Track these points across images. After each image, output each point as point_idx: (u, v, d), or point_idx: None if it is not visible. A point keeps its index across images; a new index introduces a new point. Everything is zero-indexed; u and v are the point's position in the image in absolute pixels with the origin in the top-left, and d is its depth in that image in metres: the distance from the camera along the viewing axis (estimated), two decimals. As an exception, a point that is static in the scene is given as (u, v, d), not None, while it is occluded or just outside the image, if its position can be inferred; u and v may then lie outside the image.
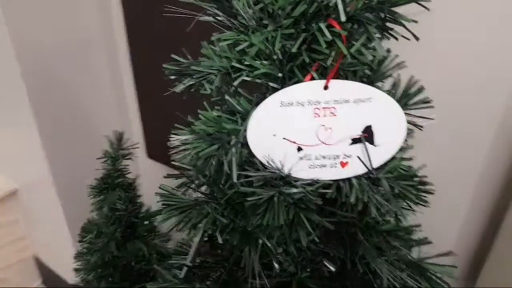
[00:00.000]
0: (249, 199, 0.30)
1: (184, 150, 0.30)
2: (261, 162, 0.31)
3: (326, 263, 0.32)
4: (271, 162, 0.30)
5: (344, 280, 0.33)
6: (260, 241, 0.33)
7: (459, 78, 0.45)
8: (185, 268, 0.41)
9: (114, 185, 0.70)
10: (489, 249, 0.51)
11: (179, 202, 0.34)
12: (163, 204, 0.35)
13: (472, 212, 0.52)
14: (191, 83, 0.34)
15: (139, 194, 0.75)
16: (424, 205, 0.28)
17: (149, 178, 0.93)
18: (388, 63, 0.31)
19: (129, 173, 0.72)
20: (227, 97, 0.30)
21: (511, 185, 0.49)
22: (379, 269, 0.29)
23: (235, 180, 0.30)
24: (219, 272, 0.40)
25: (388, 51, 0.30)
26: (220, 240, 0.34)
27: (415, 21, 0.25)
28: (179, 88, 0.34)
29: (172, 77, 0.34)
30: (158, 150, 0.92)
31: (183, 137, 0.30)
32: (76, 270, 0.75)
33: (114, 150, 0.69)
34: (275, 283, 0.34)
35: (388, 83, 0.31)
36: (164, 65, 0.35)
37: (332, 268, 0.32)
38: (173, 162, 0.33)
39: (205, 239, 0.39)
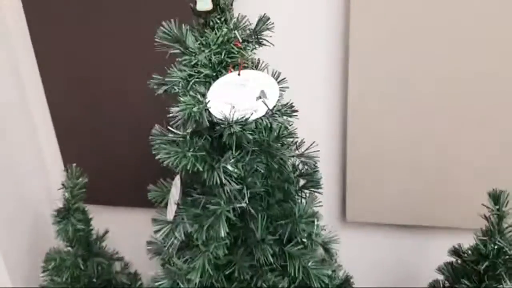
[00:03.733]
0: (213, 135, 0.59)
1: (178, 114, 0.58)
2: (215, 117, 0.61)
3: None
4: (222, 115, 0.60)
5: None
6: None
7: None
8: (175, 206, 0.66)
9: (74, 209, 0.88)
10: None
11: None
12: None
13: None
14: (166, 87, 0.62)
15: (91, 217, 0.94)
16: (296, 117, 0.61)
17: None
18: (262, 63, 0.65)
19: (85, 197, 0.90)
20: (195, 86, 0.60)
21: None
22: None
23: (207, 124, 0.59)
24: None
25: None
26: (200, 168, 0.61)
27: (271, 36, 0.60)
28: (160, 91, 0.62)
29: (155, 86, 0.62)
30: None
31: (177, 109, 0.58)
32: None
33: (70, 180, 0.88)
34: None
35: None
36: (149, 81, 0.63)
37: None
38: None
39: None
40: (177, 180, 0.70)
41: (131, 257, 1.04)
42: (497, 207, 0.69)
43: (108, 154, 1.05)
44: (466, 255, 0.75)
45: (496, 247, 0.70)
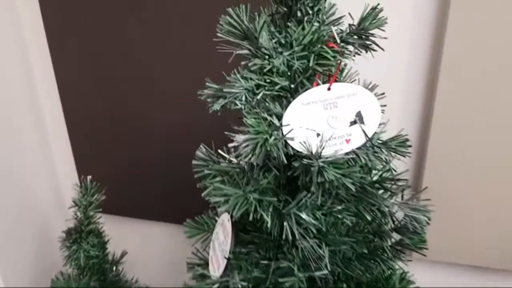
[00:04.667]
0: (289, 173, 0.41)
1: (246, 146, 0.40)
2: (292, 148, 0.42)
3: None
4: (304, 147, 0.42)
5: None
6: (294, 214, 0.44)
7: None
8: (225, 261, 0.49)
9: (86, 232, 0.72)
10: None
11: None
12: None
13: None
14: (224, 102, 0.44)
15: (107, 239, 0.77)
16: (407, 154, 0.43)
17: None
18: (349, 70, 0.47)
19: (100, 217, 0.74)
20: (267, 104, 0.42)
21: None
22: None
23: (284, 161, 0.41)
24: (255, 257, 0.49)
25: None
26: (267, 218, 0.44)
27: (386, 38, 0.41)
28: (216, 107, 0.44)
29: (208, 99, 0.44)
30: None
31: (244, 136, 0.40)
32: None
33: (84, 197, 0.71)
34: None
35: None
36: (199, 92, 0.45)
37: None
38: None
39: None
40: (225, 221, 0.52)
41: (149, 276, 0.89)
42: None
43: (130, 162, 0.87)
44: None
45: None
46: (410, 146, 0.44)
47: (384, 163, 0.44)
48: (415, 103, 0.71)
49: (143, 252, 0.99)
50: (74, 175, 0.92)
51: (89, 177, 0.72)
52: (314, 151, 0.42)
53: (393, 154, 0.43)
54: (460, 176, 0.71)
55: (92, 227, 0.72)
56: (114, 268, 0.79)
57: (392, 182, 0.46)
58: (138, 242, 0.99)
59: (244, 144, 0.40)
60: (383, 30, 0.42)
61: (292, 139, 0.41)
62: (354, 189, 0.40)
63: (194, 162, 0.52)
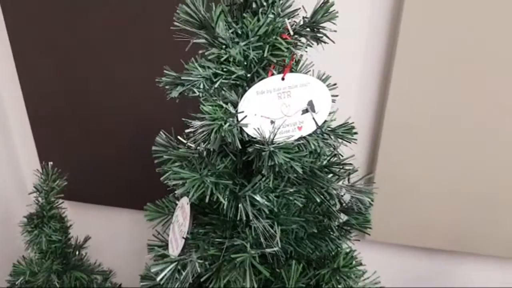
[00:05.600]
0: (244, 158, 0.44)
1: (201, 131, 0.42)
2: (247, 134, 0.45)
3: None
4: (258, 133, 0.44)
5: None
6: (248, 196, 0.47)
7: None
8: (183, 241, 0.51)
9: (48, 217, 0.72)
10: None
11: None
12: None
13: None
14: (182, 89, 0.46)
15: (70, 224, 0.77)
16: (354, 142, 0.46)
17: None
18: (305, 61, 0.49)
19: (62, 203, 0.74)
20: (223, 92, 0.44)
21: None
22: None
23: (239, 146, 0.43)
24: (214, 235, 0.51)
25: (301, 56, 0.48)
26: (223, 200, 0.46)
27: (335, 31, 0.44)
28: (174, 94, 0.45)
29: (167, 87, 0.46)
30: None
31: (200, 123, 0.42)
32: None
33: (45, 183, 0.71)
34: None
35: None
36: (157, 79, 0.46)
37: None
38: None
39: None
40: (185, 204, 0.54)
41: (113, 260, 0.90)
42: None
43: (95, 148, 0.88)
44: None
45: None
46: (356, 133, 0.47)
47: (332, 149, 0.47)
48: (370, 93, 0.75)
49: (106, 238, 1.00)
50: (36, 162, 0.91)
51: (50, 163, 0.72)
52: (267, 137, 0.44)
53: (340, 140, 0.46)
54: (411, 162, 0.76)
55: (54, 212, 0.72)
56: (77, 253, 0.80)
57: (340, 167, 0.49)
58: (101, 228, 1.00)
59: (200, 130, 0.42)
60: (334, 23, 0.45)
61: (246, 125, 0.44)
62: (301, 172, 0.43)
63: (153, 147, 0.53)
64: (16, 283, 0.74)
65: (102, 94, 0.81)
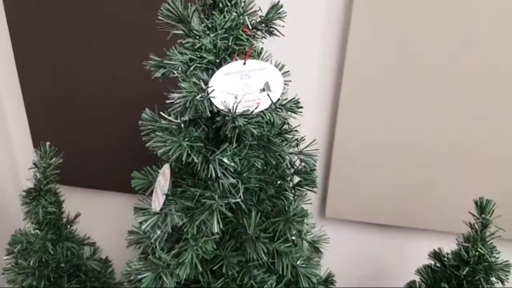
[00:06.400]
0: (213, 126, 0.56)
1: (179, 102, 0.54)
2: (216, 106, 0.57)
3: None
4: (224, 105, 0.57)
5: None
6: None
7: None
8: (164, 197, 0.63)
9: (45, 191, 0.82)
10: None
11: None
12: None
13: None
14: (164, 71, 0.58)
15: (63, 199, 0.88)
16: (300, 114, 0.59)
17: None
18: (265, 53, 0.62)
19: (59, 179, 0.84)
20: (197, 72, 0.56)
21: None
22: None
23: (208, 114, 0.55)
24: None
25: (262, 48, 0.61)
26: (196, 160, 0.58)
27: (283, 26, 0.57)
28: (158, 74, 0.57)
29: (152, 68, 0.58)
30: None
31: (178, 95, 0.54)
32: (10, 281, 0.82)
33: (43, 160, 0.81)
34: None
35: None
36: (144, 62, 0.58)
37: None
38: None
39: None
40: (166, 169, 0.66)
41: (102, 243, 0.99)
42: (483, 215, 0.70)
43: (83, 133, 0.98)
44: (446, 259, 0.77)
45: (477, 253, 0.71)
46: (301, 107, 0.60)
47: (283, 119, 0.60)
48: (328, 75, 0.88)
49: (94, 221, 1.10)
50: (30, 148, 1.01)
51: (48, 142, 0.82)
52: (231, 108, 0.56)
53: (289, 113, 0.59)
54: (367, 143, 0.89)
55: (50, 186, 0.83)
56: (69, 226, 0.90)
57: (291, 135, 0.62)
58: (90, 211, 1.10)
59: (178, 101, 0.54)
60: (283, 20, 0.58)
61: (214, 97, 0.56)
62: (257, 134, 0.55)
63: (140, 122, 0.65)
64: (14, 250, 0.84)
65: (94, 81, 0.92)
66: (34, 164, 0.81)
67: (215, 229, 0.58)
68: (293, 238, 0.66)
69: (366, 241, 1.02)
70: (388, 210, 0.95)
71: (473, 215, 0.71)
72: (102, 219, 1.10)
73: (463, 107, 0.84)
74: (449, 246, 0.77)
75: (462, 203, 0.82)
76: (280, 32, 0.58)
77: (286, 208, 0.65)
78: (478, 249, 0.71)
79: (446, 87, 0.83)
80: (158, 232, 0.62)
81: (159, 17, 0.55)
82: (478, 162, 0.88)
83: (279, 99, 0.61)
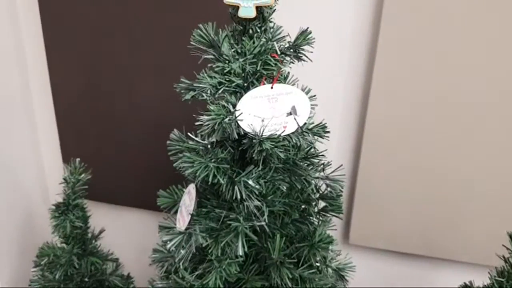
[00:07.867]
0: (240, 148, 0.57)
1: (207, 124, 0.55)
2: (243, 129, 0.58)
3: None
4: (251, 128, 0.57)
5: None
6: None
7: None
8: (189, 217, 0.63)
9: (73, 206, 0.84)
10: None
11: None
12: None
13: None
14: (194, 94, 0.59)
15: (90, 215, 0.90)
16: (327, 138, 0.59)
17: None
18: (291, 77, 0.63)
19: (86, 194, 0.86)
20: (226, 95, 0.57)
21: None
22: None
23: (236, 136, 0.56)
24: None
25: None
26: (222, 181, 0.58)
27: (312, 52, 0.58)
28: (187, 97, 0.59)
29: (182, 91, 0.59)
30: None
31: (207, 117, 0.55)
32: (37, 291, 0.84)
33: (72, 175, 0.84)
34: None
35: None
36: (175, 85, 0.60)
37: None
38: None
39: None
40: (191, 189, 0.67)
41: (124, 259, 1.00)
42: (518, 249, 0.68)
43: (111, 150, 1.01)
44: (478, 293, 0.74)
45: (511, 289, 0.68)
46: (328, 131, 0.60)
47: (309, 143, 0.60)
48: (353, 102, 0.88)
49: (117, 237, 1.12)
50: (59, 163, 1.04)
51: (77, 159, 0.85)
52: (258, 131, 0.57)
53: (316, 137, 0.59)
54: (393, 169, 0.88)
55: (78, 201, 0.85)
56: (94, 241, 0.91)
57: (317, 159, 0.61)
58: (113, 227, 1.11)
59: (207, 123, 0.55)
60: (311, 46, 0.59)
61: (241, 120, 0.57)
62: (284, 157, 0.56)
63: (168, 142, 0.66)
64: (41, 263, 0.85)
65: (124, 103, 0.95)
66: (64, 179, 0.84)
67: (240, 251, 0.58)
68: (318, 264, 0.65)
69: (392, 270, 0.99)
70: (413, 239, 0.93)
71: (507, 248, 0.69)
72: (124, 236, 1.12)
73: (494, 134, 0.83)
74: (479, 279, 0.74)
75: (494, 234, 0.79)
76: (308, 58, 0.59)
77: (311, 234, 0.64)
78: (512, 285, 0.68)
79: (474, 115, 0.82)
80: (183, 252, 0.62)
81: (191, 42, 0.57)
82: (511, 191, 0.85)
83: (305, 123, 0.61)
